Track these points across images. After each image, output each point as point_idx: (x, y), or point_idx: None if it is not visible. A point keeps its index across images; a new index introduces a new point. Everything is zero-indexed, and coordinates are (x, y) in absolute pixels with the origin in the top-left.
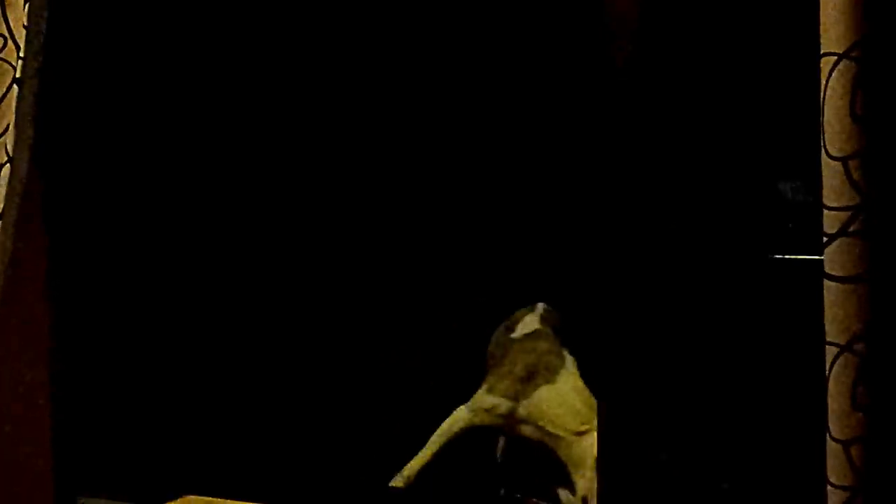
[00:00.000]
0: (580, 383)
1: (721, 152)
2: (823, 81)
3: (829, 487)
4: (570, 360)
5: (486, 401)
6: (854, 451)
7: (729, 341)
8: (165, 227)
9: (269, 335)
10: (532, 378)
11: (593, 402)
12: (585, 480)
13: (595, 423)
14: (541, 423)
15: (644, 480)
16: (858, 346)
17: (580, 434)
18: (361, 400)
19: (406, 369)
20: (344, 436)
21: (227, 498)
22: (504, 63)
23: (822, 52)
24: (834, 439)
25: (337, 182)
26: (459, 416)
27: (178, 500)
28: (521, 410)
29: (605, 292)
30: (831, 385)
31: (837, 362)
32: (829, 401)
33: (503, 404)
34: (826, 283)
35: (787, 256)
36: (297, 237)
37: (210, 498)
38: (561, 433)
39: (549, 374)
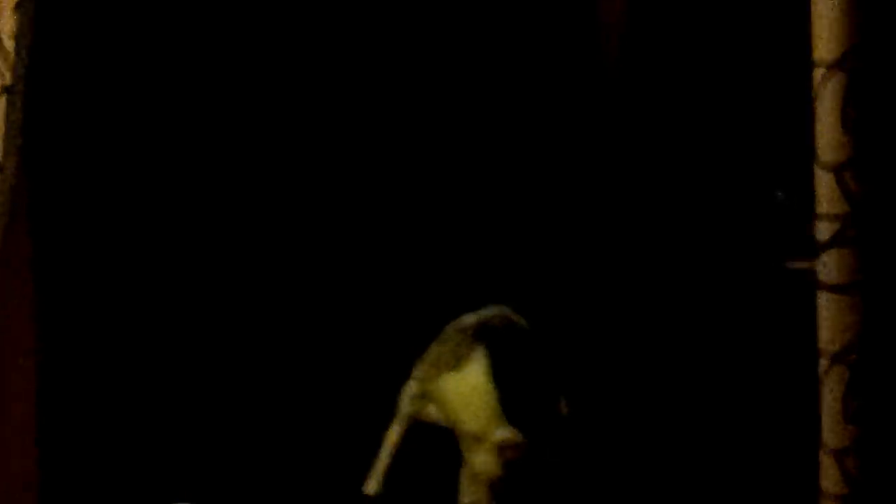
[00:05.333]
0: (483, 381)
1: (725, 158)
2: (815, 91)
3: (822, 498)
4: (481, 355)
5: (406, 390)
6: (847, 461)
7: (728, 349)
8: (155, 232)
9: (260, 343)
10: (438, 364)
11: (494, 404)
12: (478, 463)
13: (493, 435)
14: (442, 404)
15: (639, 488)
16: (851, 356)
17: (477, 440)
18: (356, 407)
19: (398, 377)
20: (337, 443)
21: None
22: (490, 64)
23: (813, 61)
24: (827, 450)
25: (322, 182)
26: (394, 422)
27: None
28: (430, 391)
29: (604, 302)
30: (824, 395)
31: (830, 372)
32: (822, 411)
33: (415, 386)
34: (819, 291)
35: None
36: (282, 240)
37: None
38: (458, 421)
39: (455, 362)
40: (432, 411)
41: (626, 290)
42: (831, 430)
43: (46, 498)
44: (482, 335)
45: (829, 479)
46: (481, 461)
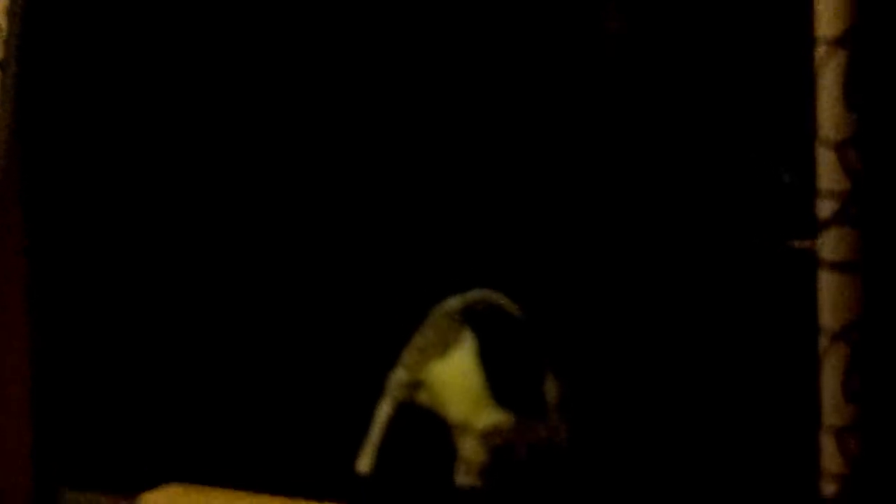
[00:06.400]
0: (469, 367)
1: (725, 136)
2: (817, 68)
3: (822, 478)
4: (468, 339)
5: (395, 376)
6: (848, 441)
7: (727, 328)
8: (149, 216)
9: (249, 321)
10: (426, 351)
11: (480, 391)
12: (466, 450)
13: (481, 421)
14: (431, 391)
15: (632, 468)
16: (852, 335)
17: (464, 427)
18: (348, 385)
19: (389, 357)
20: (331, 421)
21: (210, 485)
22: (483, 51)
23: (816, 39)
24: (827, 429)
25: (312, 170)
26: (383, 402)
27: (160, 489)
28: (419, 378)
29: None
30: (824, 374)
31: (830, 350)
32: (822, 390)
33: (405, 374)
34: (819, 270)
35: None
36: (271, 225)
37: (193, 486)
38: (445, 409)
39: (443, 348)
40: (424, 397)
41: (623, 269)
42: (832, 410)
43: (43, 489)
44: (469, 318)
45: (830, 458)
46: (468, 448)
